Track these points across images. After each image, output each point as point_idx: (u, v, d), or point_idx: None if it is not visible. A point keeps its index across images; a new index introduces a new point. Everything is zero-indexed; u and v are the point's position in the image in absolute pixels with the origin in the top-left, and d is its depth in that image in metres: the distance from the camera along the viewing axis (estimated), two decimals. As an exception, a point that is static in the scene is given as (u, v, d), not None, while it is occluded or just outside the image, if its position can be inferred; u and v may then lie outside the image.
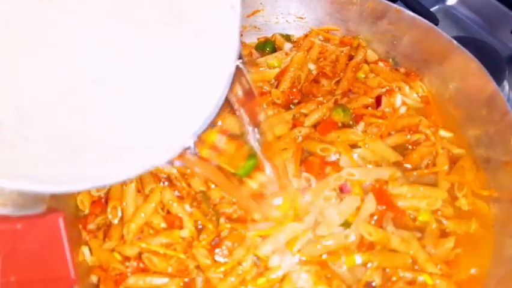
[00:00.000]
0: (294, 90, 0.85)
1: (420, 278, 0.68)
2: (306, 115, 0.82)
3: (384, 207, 0.73)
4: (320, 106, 0.82)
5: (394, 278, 0.68)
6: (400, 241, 0.70)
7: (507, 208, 0.74)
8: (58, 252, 0.45)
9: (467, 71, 0.81)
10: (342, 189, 0.75)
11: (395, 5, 0.86)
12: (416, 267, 0.69)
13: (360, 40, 0.91)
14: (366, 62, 0.89)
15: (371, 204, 0.73)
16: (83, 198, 0.75)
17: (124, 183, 0.75)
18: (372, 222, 0.72)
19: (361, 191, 0.74)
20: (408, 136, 0.80)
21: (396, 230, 0.72)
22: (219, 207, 0.72)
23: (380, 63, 0.88)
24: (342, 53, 0.89)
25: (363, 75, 0.87)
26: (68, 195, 0.76)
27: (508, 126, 0.75)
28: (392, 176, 0.75)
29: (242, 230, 0.71)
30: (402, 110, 0.83)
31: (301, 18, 0.95)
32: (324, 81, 0.86)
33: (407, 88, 0.85)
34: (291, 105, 0.85)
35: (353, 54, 0.90)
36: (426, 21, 0.84)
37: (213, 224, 0.72)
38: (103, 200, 0.76)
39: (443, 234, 0.73)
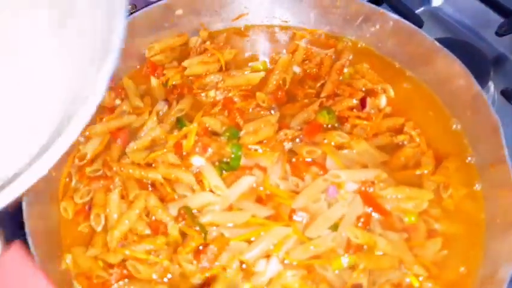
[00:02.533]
0: (280, 93, 0.85)
1: (407, 280, 0.68)
2: (292, 117, 0.82)
3: (371, 209, 0.73)
4: (305, 109, 0.82)
5: (381, 281, 0.68)
6: (387, 243, 0.70)
7: (494, 208, 0.74)
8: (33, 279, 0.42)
9: (450, 72, 0.82)
10: (328, 192, 0.74)
11: (378, 8, 0.87)
12: (404, 270, 0.68)
13: (345, 42, 0.91)
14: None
15: (357, 207, 0.73)
16: (66, 206, 0.74)
17: (108, 190, 0.75)
18: (359, 224, 0.72)
19: (347, 193, 0.74)
20: (395, 140, 0.80)
21: (384, 231, 0.72)
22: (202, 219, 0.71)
23: (365, 65, 0.88)
24: (327, 55, 0.89)
25: (347, 77, 0.87)
26: (51, 203, 0.75)
27: (491, 128, 0.75)
28: (378, 177, 0.74)
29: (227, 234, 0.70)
30: (387, 110, 0.83)
31: (286, 21, 0.95)
32: (309, 84, 0.86)
33: (391, 90, 0.85)
34: (276, 108, 0.84)
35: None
36: (410, 24, 0.85)
37: (198, 233, 0.71)
38: (86, 207, 0.75)
39: (431, 235, 0.73)
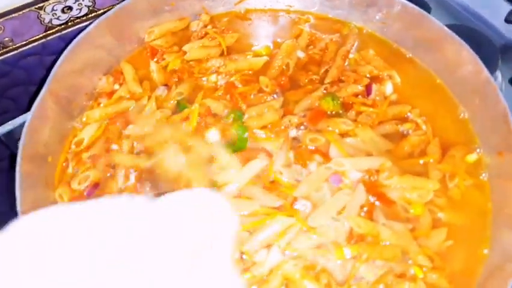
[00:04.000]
0: (283, 78, 0.83)
1: (411, 271, 0.66)
2: (295, 103, 0.80)
3: (374, 198, 0.71)
4: (309, 95, 0.80)
5: (384, 271, 0.66)
6: (391, 233, 0.68)
7: (501, 198, 0.72)
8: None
9: (458, 58, 0.79)
10: (331, 180, 0.72)
11: (385, -8, 0.84)
12: (409, 261, 0.67)
13: (351, 27, 0.89)
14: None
15: (361, 196, 0.71)
16: (62, 192, 0.72)
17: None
18: (362, 214, 0.70)
19: (351, 182, 0.72)
20: (401, 128, 0.78)
21: (388, 221, 0.70)
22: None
23: (371, 51, 0.86)
24: (332, 41, 0.87)
25: (353, 63, 0.85)
26: (47, 189, 0.73)
27: (500, 115, 0.73)
28: (382, 166, 0.73)
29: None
30: (393, 97, 0.81)
31: (290, 6, 0.92)
32: (313, 69, 0.84)
33: (397, 77, 0.83)
34: (279, 94, 0.82)
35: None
36: (417, 8, 0.82)
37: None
38: (85, 194, 0.73)
39: (436, 225, 0.71)
